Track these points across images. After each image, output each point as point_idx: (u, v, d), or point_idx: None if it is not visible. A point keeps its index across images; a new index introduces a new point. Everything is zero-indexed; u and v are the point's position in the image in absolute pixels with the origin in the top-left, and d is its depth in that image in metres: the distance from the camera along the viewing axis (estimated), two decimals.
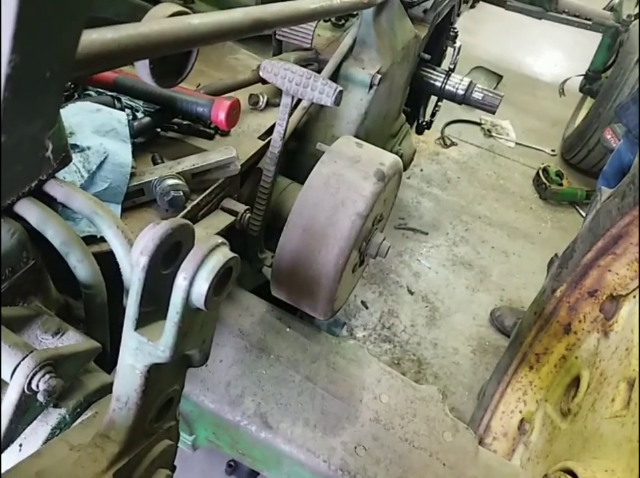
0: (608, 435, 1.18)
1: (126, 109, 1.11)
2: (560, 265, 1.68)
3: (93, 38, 0.40)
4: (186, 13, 0.52)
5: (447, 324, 2.78)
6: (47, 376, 0.57)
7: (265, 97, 1.41)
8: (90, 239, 0.85)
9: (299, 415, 1.15)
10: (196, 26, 0.50)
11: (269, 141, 1.22)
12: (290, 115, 1.15)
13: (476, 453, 1.17)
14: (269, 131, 1.35)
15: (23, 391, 0.56)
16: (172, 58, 0.53)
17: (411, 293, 2.91)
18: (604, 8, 4.05)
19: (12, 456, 0.61)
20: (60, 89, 0.34)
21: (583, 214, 3.59)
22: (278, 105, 1.26)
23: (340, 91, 1.06)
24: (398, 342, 2.67)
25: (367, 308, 2.79)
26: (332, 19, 1.73)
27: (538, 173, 3.78)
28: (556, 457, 1.38)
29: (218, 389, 1.16)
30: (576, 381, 1.52)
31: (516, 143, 4.27)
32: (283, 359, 1.24)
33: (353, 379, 1.25)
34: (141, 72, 0.49)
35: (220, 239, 0.55)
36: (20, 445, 0.61)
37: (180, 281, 0.51)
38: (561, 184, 3.68)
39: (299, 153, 1.55)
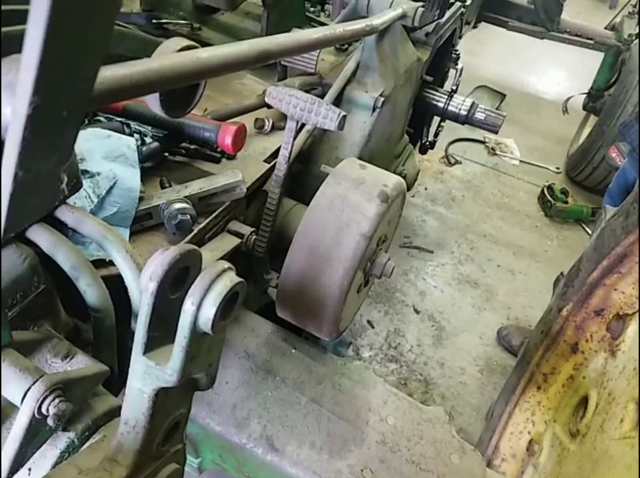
0: (618, 456, 1.16)
1: (135, 135, 1.14)
2: (566, 284, 1.68)
3: (106, 75, 0.42)
4: (195, 47, 0.54)
5: (454, 344, 2.76)
6: (57, 400, 0.58)
7: (271, 121, 1.44)
8: (99, 263, 0.86)
9: (305, 438, 1.15)
10: (205, 59, 0.52)
11: (275, 164, 1.24)
12: (295, 138, 1.17)
13: (484, 476, 1.15)
14: (275, 154, 1.38)
15: (33, 415, 0.57)
16: (181, 89, 0.55)
17: (417, 312, 2.90)
18: (605, 28, 4.10)
19: None
20: (76, 126, 0.35)
21: (590, 232, 3.58)
22: (283, 128, 1.29)
23: (344, 116, 1.08)
24: (404, 362, 2.65)
25: (373, 327, 2.78)
26: (336, 44, 1.77)
27: (542, 191, 3.78)
28: None
29: (224, 411, 1.16)
30: (584, 401, 1.50)
31: (521, 161, 4.29)
32: (288, 381, 1.24)
33: (359, 401, 1.24)
34: (151, 103, 0.51)
35: (227, 265, 0.57)
36: (29, 470, 0.62)
37: (188, 306, 0.52)
38: (566, 202, 3.67)
39: (303, 175, 1.57)
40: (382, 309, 2.89)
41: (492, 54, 5.73)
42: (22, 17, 0.47)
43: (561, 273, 1.81)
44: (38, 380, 0.59)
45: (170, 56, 0.50)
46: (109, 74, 0.43)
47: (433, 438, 1.19)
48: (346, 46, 1.78)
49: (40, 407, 0.58)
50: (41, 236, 0.72)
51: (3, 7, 0.44)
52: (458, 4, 2.08)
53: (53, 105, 0.31)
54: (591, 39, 3.90)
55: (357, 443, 1.16)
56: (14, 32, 0.41)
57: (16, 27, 0.41)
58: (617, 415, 1.25)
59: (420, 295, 3.00)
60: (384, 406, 1.24)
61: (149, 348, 0.57)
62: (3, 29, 0.41)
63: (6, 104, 0.35)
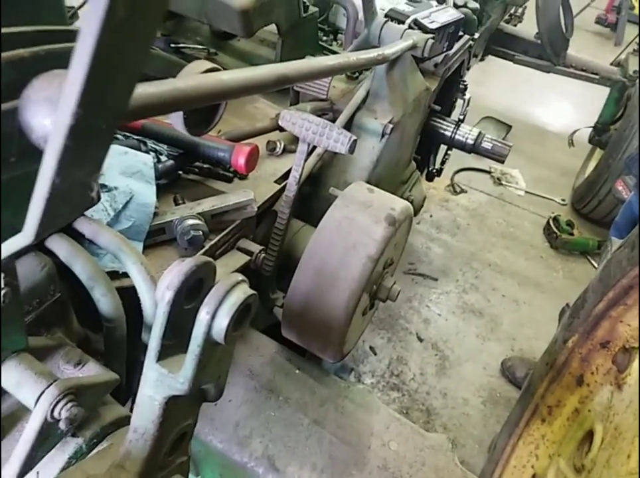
0: None
1: (151, 152, 1.18)
2: (571, 315, 1.67)
3: (138, 92, 0.45)
4: (218, 70, 0.57)
5: (457, 374, 2.73)
6: (69, 405, 0.59)
7: (282, 144, 1.48)
8: (112, 275, 0.88)
9: (307, 459, 1.14)
10: (227, 81, 0.55)
11: (285, 185, 1.27)
12: (306, 161, 1.20)
13: None
14: (285, 175, 1.41)
15: (46, 418, 0.58)
16: (202, 109, 0.59)
17: (420, 340, 2.88)
18: (611, 64, 4.18)
19: None
20: (111, 138, 0.38)
21: (595, 265, 3.57)
22: (294, 151, 1.32)
23: (355, 140, 1.11)
24: (406, 391, 2.62)
25: (375, 354, 2.76)
26: (347, 72, 1.82)
27: (548, 222, 3.79)
28: None
29: (226, 429, 1.16)
30: (590, 435, 1.47)
31: (526, 192, 4.31)
32: (291, 401, 1.24)
33: (361, 424, 1.24)
34: (175, 121, 0.54)
35: (240, 277, 0.59)
36: (38, 473, 0.63)
37: (203, 316, 0.54)
38: (572, 234, 3.67)
39: (312, 197, 1.60)
40: (384, 336, 2.87)
41: (498, 86, 5.83)
42: (56, 37, 0.51)
43: (567, 305, 1.81)
44: (51, 384, 0.61)
45: (196, 76, 0.53)
46: (141, 91, 0.46)
47: (435, 465, 1.18)
48: (357, 74, 1.83)
49: (52, 411, 0.59)
50: (60, 245, 0.75)
51: (44, 28, 0.48)
52: (466, 37, 2.15)
53: (94, 118, 0.34)
54: (596, 74, 3.97)
55: (359, 467, 1.15)
56: (55, 50, 0.44)
57: (57, 46, 0.45)
58: (624, 450, 1.23)
59: (424, 323, 2.99)
60: (387, 431, 1.23)
61: (162, 356, 0.58)
62: (46, 47, 0.44)
63: (45, 116, 0.38)
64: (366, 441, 1.20)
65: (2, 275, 0.55)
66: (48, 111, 0.38)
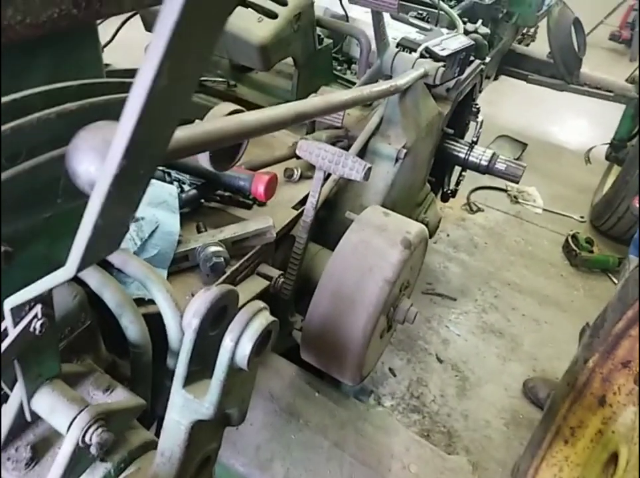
0: None
1: (174, 182, 1.22)
2: (592, 335, 1.65)
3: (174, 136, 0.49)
4: (241, 111, 0.61)
5: (478, 395, 2.68)
6: (100, 430, 0.62)
7: (299, 171, 1.52)
8: (139, 301, 0.92)
9: None
10: (249, 122, 0.59)
11: (302, 211, 1.31)
12: (322, 187, 1.24)
13: None
14: (302, 201, 1.45)
15: (77, 443, 0.61)
16: (227, 147, 0.62)
17: (440, 361, 2.85)
18: (626, 80, 4.17)
19: None
20: (148, 182, 0.42)
21: (616, 282, 3.51)
22: (310, 177, 1.36)
23: (369, 168, 1.14)
24: (427, 413, 2.58)
25: (395, 375, 2.73)
26: None
27: (567, 240, 3.74)
28: None
29: (248, 452, 1.18)
30: (614, 457, 1.45)
31: (544, 210, 4.28)
32: (311, 424, 1.25)
33: (381, 447, 1.24)
34: (202, 159, 0.58)
35: (262, 304, 0.61)
36: None
37: (227, 343, 0.57)
38: (592, 251, 3.62)
39: (329, 221, 1.63)
40: (404, 357, 2.85)
41: (512, 105, 5.84)
42: (97, 90, 0.55)
43: (587, 324, 1.79)
44: (83, 410, 0.64)
45: (221, 119, 0.57)
46: (175, 136, 0.50)
47: None
48: (371, 102, 1.87)
49: (84, 436, 0.62)
50: (91, 275, 0.78)
51: (86, 81, 0.52)
52: (478, 61, 2.19)
53: (136, 166, 0.38)
54: (611, 91, 3.96)
55: None
56: (98, 103, 0.49)
57: (99, 98, 0.49)
58: None
59: (443, 344, 2.96)
60: (407, 453, 1.23)
61: (188, 382, 0.61)
62: (90, 100, 0.49)
63: (90, 164, 0.42)
64: (387, 464, 1.20)
65: (40, 306, 0.58)
66: (93, 159, 0.42)
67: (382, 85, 1.16)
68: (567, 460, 1.66)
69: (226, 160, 0.63)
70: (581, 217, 4.20)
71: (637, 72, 4.09)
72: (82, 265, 0.44)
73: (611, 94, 3.97)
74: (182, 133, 0.49)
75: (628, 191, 3.41)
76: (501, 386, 2.75)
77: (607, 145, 4.12)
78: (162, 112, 0.34)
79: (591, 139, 4.84)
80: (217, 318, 0.60)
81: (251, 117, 0.59)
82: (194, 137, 0.50)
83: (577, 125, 5.83)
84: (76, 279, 0.79)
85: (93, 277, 0.77)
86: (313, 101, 0.79)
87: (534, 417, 2.58)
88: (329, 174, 1.46)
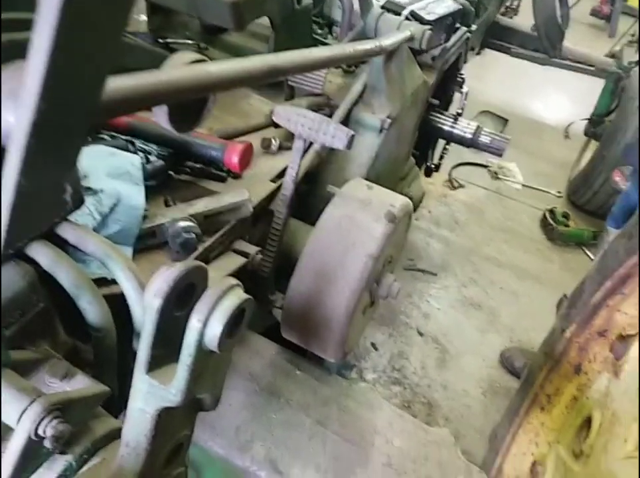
0: (622, 476, 1.14)
1: (139, 153, 1.13)
2: (569, 306, 1.67)
3: (115, 85, 0.41)
4: (204, 61, 0.54)
5: (457, 366, 2.73)
6: (55, 422, 0.56)
7: (277, 141, 1.44)
8: (100, 282, 0.85)
9: (310, 460, 1.12)
10: (214, 73, 0.51)
11: (281, 184, 1.24)
12: (302, 158, 1.17)
13: None
14: (281, 174, 1.38)
15: (29, 437, 0.55)
16: (189, 104, 0.55)
17: (421, 334, 2.87)
18: (606, 55, 4.16)
19: None
20: (82, 136, 0.34)
21: (591, 255, 3.58)
22: (290, 148, 1.29)
23: (352, 136, 1.08)
24: (408, 385, 2.61)
25: (377, 350, 2.75)
26: (343, 66, 1.78)
27: (544, 215, 3.79)
28: None
29: (227, 434, 1.14)
30: (588, 422, 1.48)
31: (523, 185, 4.30)
32: (293, 403, 1.22)
33: (364, 423, 1.22)
34: (159, 117, 0.50)
35: (234, 281, 0.55)
36: None
37: (194, 323, 0.51)
38: (567, 226, 3.68)
39: (310, 196, 1.57)
40: (385, 332, 2.86)
41: (494, 80, 5.81)
42: (26, 25, 0.47)
43: (565, 295, 1.80)
44: (35, 400, 0.57)
45: (180, 68, 0.49)
46: (118, 84, 0.42)
47: (439, 460, 1.17)
48: (353, 68, 1.79)
49: (37, 429, 0.55)
50: (41, 253, 0.70)
51: (7, 15, 0.44)
52: (463, 29, 2.11)
53: (59, 112, 0.30)
54: (592, 66, 3.95)
55: (363, 466, 1.13)
56: (18, 39, 0.41)
57: (19, 34, 0.41)
58: (621, 435, 1.24)
59: (424, 318, 2.98)
60: (390, 428, 1.21)
61: (152, 367, 0.55)
62: (7, 35, 0.40)
63: (10, 111, 0.34)
64: (370, 439, 1.19)
65: None
66: (13, 107, 0.34)
67: (367, 44, 1.08)
68: (543, 425, 1.70)
69: (188, 120, 0.55)
70: (559, 192, 4.24)
71: (617, 47, 4.08)
72: (12, 238, 0.37)
73: (592, 68, 3.97)
74: (131, 82, 0.42)
75: (604, 166, 3.44)
76: (479, 357, 2.80)
77: (586, 121, 4.13)
78: (85, 40, 0.27)
79: (572, 115, 4.85)
80: (183, 298, 0.54)
81: (216, 68, 0.52)
82: (145, 87, 0.43)
83: (558, 101, 5.84)
84: (24, 258, 0.71)
85: (44, 255, 0.69)
86: (290, 56, 0.72)
87: (511, 385, 2.64)
88: (310, 145, 1.39)
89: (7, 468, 0.55)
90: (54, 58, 0.27)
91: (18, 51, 0.39)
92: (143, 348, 0.54)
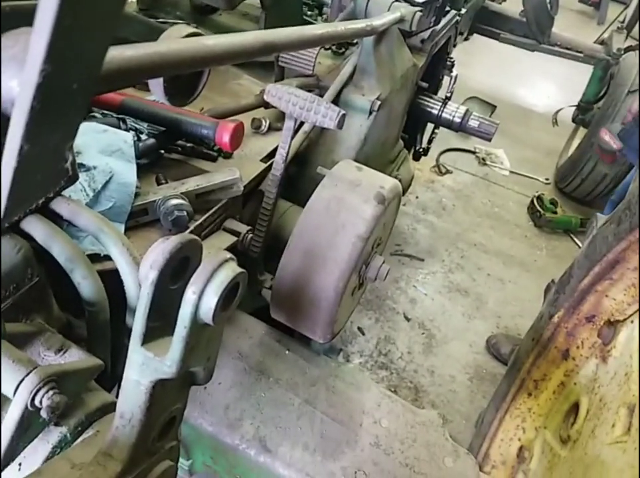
0: (609, 461, 1.16)
1: (131, 131, 1.13)
2: (557, 291, 1.68)
3: (114, 55, 0.41)
4: (200, 35, 0.54)
5: (444, 352, 2.76)
6: (51, 393, 0.57)
7: (268, 122, 1.44)
8: (94, 258, 0.85)
9: (299, 439, 1.14)
10: (210, 46, 0.51)
11: (271, 164, 1.24)
12: (292, 138, 1.17)
13: None
14: (271, 154, 1.38)
15: (26, 407, 0.56)
16: (184, 77, 0.55)
17: (407, 319, 2.90)
18: (595, 42, 4.18)
19: (11, 475, 0.60)
20: (85, 102, 0.35)
21: (578, 242, 3.62)
22: (280, 129, 1.29)
23: (344, 115, 1.08)
24: (394, 369, 2.64)
25: (363, 334, 2.77)
26: (333, 47, 1.78)
27: (532, 201, 3.81)
28: None
29: (216, 412, 1.15)
30: (575, 407, 1.50)
31: (511, 172, 4.33)
32: (282, 382, 1.23)
33: (353, 403, 1.23)
34: (154, 89, 0.50)
35: (229, 255, 0.56)
36: (20, 464, 0.60)
37: (190, 295, 0.51)
38: (555, 212, 3.71)
39: (299, 177, 1.57)
40: (372, 316, 2.88)
41: (483, 66, 5.80)
42: None
43: (552, 281, 1.82)
44: (31, 371, 0.58)
45: (177, 40, 0.49)
46: (117, 54, 0.42)
47: (426, 441, 1.19)
48: (343, 49, 1.79)
49: (33, 399, 0.56)
50: (36, 227, 0.71)
51: None
52: (453, 12, 2.11)
53: (64, 76, 0.31)
54: (580, 52, 3.97)
55: (351, 445, 1.15)
56: (22, 7, 0.40)
57: (23, 2, 0.41)
58: (609, 420, 1.26)
59: (411, 303, 3.00)
60: (378, 409, 1.23)
61: (147, 339, 0.56)
62: (11, 3, 0.40)
63: (12, 76, 0.34)
64: (358, 419, 1.20)
65: None
66: (15, 72, 0.34)
67: (358, 24, 1.08)
68: (530, 411, 1.72)
69: (183, 93, 0.55)
70: (546, 179, 4.27)
71: (606, 34, 4.10)
72: (13, 206, 0.37)
73: (581, 55, 3.98)
74: (130, 52, 0.42)
75: (592, 153, 3.46)
76: (466, 342, 2.83)
77: (575, 108, 4.15)
78: (90, 5, 0.27)
79: (560, 102, 4.87)
80: (178, 271, 0.55)
81: (212, 42, 0.52)
82: (144, 58, 0.43)
83: (546, 88, 5.86)
84: (19, 232, 0.71)
85: (39, 229, 0.69)
86: (284, 32, 0.72)
87: (497, 371, 2.67)
88: (300, 126, 1.39)
89: (6, 436, 0.56)
90: (60, 22, 0.27)
91: (20, 19, 0.39)
92: (139, 320, 0.54)
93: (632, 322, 1.41)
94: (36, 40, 0.28)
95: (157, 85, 0.50)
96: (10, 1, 0.41)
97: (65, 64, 0.30)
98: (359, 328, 2.79)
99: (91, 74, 0.33)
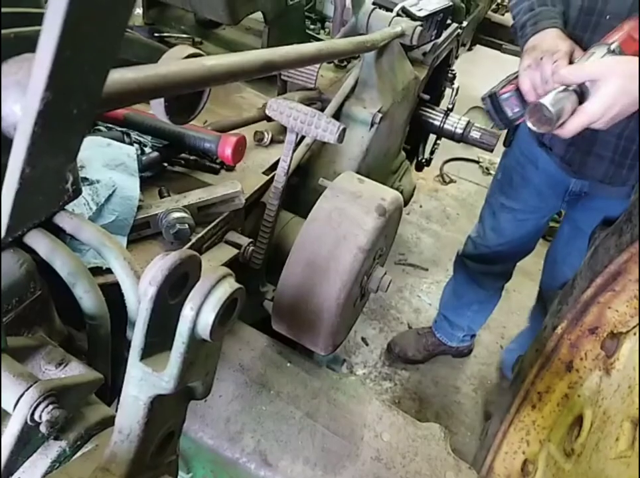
0: (613, 476, 1.15)
1: (135, 144, 1.14)
2: (560, 302, 1.68)
3: (115, 78, 0.42)
4: (200, 55, 0.55)
5: (448, 362, 2.75)
6: (50, 407, 0.57)
7: (270, 134, 1.45)
8: (96, 271, 0.86)
9: (299, 453, 1.13)
10: (210, 67, 0.52)
11: (273, 176, 1.25)
12: (294, 151, 1.18)
13: None
14: (273, 166, 1.39)
15: (26, 422, 0.56)
16: (185, 96, 0.56)
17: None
18: None
19: None
20: (85, 126, 0.36)
21: None
22: (282, 141, 1.30)
23: (344, 129, 1.09)
24: (398, 380, 2.63)
25: (367, 345, 2.76)
26: (335, 61, 1.80)
27: None
28: None
29: (217, 425, 1.15)
30: (579, 420, 1.49)
31: None
32: (283, 395, 1.23)
33: (354, 416, 1.23)
34: (156, 109, 0.51)
35: (227, 271, 0.56)
36: None
37: (187, 311, 0.52)
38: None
39: (301, 189, 1.58)
40: (376, 326, 2.87)
41: (486, 75, 5.80)
42: (32, 19, 0.48)
43: (555, 292, 1.81)
44: (31, 386, 0.58)
45: (177, 62, 0.50)
46: (118, 77, 0.43)
47: (428, 455, 1.18)
48: (345, 63, 1.80)
49: (33, 414, 0.57)
50: (39, 241, 0.72)
51: (11, 10, 0.45)
52: (454, 25, 2.13)
53: (64, 103, 0.31)
54: None
55: (352, 459, 1.14)
56: (25, 33, 0.42)
57: (27, 28, 0.42)
58: (612, 434, 1.24)
59: (415, 313, 3.00)
60: (379, 422, 1.23)
61: (146, 354, 0.56)
62: (15, 30, 0.42)
63: (15, 101, 0.35)
64: (359, 433, 1.19)
65: None
66: (18, 97, 0.35)
67: (358, 39, 1.10)
68: (535, 423, 1.70)
69: (184, 112, 0.56)
70: None
71: None
72: (14, 224, 0.38)
73: None
74: (130, 74, 0.43)
75: None
76: (471, 353, 2.81)
77: None
78: (91, 34, 0.28)
79: None
80: (177, 286, 0.55)
81: (212, 62, 0.53)
82: (145, 80, 0.44)
83: None
84: (23, 246, 0.72)
85: (42, 244, 0.70)
86: (284, 51, 0.73)
87: (502, 382, 2.65)
88: (302, 139, 1.40)
89: (5, 451, 0.56)
90: (61, 49, 0.28)
91: (22, 45, 0.41)
92: (138, 336, 0.55)
93: (635, 334, 1.40)
94: (37, 70, 0.29)
95: (158, 105, 0.51)
96: (13, 27, 0.42)
97: (65, 91, 0.31)
98: (363, 339, 2.78)
99: (91, 99, 0.34)
